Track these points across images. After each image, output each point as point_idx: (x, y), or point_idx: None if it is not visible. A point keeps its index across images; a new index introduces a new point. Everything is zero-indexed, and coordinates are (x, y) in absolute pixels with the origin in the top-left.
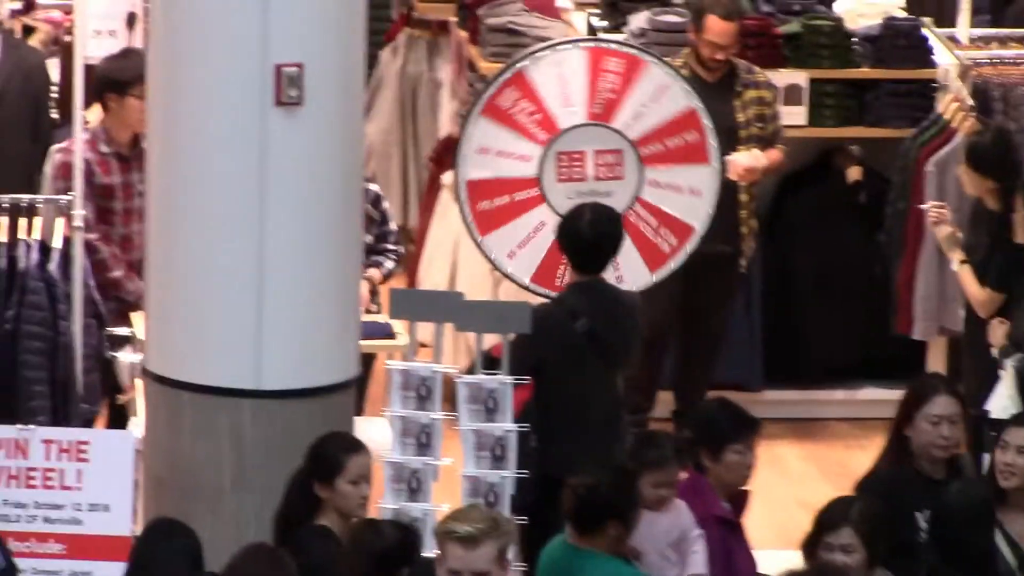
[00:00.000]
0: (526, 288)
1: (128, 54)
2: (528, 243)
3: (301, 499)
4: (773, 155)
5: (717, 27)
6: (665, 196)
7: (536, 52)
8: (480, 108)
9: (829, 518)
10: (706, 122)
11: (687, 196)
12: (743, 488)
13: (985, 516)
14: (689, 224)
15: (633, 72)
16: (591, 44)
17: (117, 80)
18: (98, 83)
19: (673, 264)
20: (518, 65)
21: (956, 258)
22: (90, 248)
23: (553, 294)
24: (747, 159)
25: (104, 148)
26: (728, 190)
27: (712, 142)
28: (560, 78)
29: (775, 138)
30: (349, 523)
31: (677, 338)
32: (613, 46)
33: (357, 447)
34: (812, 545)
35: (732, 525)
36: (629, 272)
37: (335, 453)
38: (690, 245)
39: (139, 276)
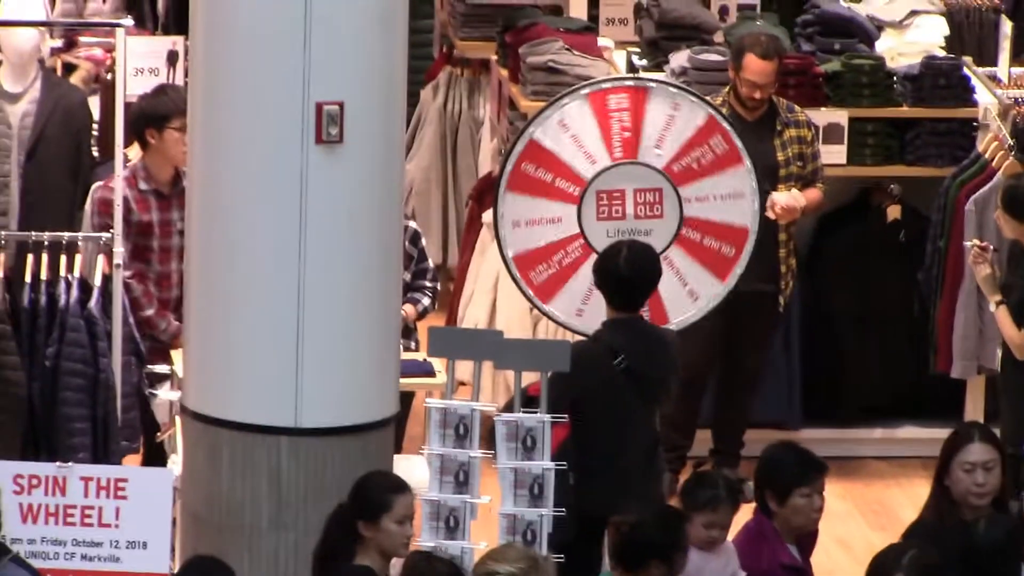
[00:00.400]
0: (503, 258)
1: (164, 90)
2: (592, 296)
3: (342, 537)
4: (812, 195)
5: (755, 66)
6: (710, 208)
7: (542, 114)
8: (504, 185)
9: (881, 566)
10: (726, 126)
11: (731, 202)
12: (811, 530)
13: (1012, 551)
14: (742, 226)
15: (638, 103)
16: (589, 90)
17: (155, 115)
18: (136, 120)
19: (739, 269)
20: (527, 134)
21: (994, 300)
22: (124, 286)
23: (537, 301)
24: (786, 199)
25: (143, 185)
26: (767, 229)
27: (738, 142)
28: (572, 135)
29: (815, 177)
30: (392, 560)
31: (715, 376)
32: (608, 84)
33: (403, 487)
34: None
35: (799, 572)
36: (701, 287)
37: (382, 492)
38: (749, 245)
39: (176, 314)
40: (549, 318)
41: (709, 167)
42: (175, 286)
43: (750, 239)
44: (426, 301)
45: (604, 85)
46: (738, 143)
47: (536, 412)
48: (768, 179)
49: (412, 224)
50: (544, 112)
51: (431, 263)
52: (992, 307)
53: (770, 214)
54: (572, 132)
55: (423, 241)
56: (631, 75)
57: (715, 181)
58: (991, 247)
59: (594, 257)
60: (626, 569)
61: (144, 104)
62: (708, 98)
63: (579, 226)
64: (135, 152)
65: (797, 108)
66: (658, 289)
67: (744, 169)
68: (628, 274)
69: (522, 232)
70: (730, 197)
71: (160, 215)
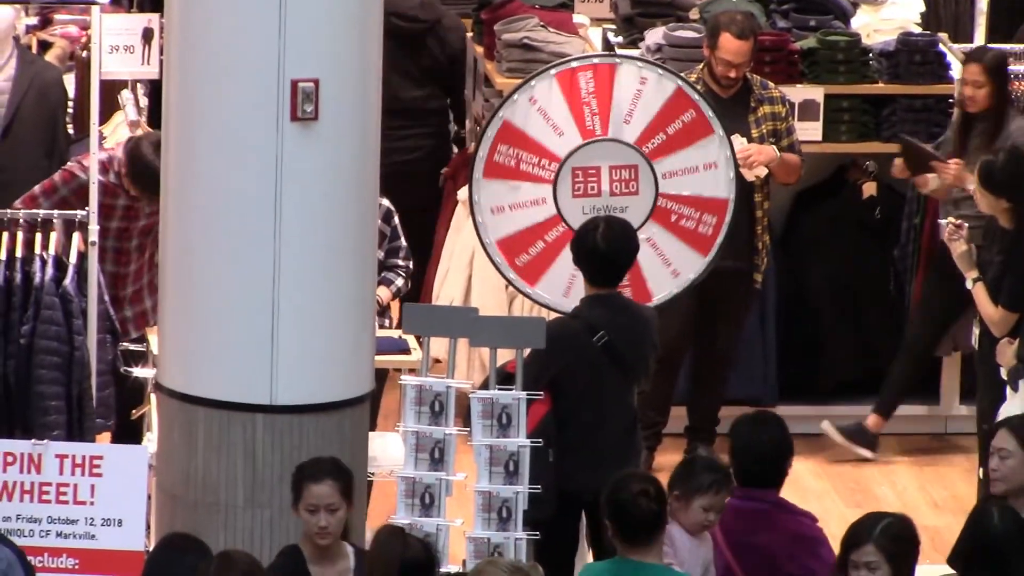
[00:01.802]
0: (484, 245)
1: None
2: (515, 211)
3: None
4: (789, 155)
5: (731, 46)
6: (684, 182)
7: (510, 96)
8: (480, 172)
9: (854, 535)
10: (695, 97)
11: (704, 172)
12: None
13: None
14: (720, 197)
15: (606, 79)
16: (556, 70)
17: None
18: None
19: (720, 239)
20: (500, 116)
21: (970, 276)
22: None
23: (520, 281)
24: (754, 146)
25: (114, 179)
26: (743, 206)
27: (707, 112)
28: (542, 113)
29: (792, 150)
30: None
31: (690, 354)
32: (575, 63)
33: (320, 476)
34: (841, 564)
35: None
36: (682, 264)
37: (299, 479)
38: (729, 215)
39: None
40: (532, 300)
41: (680, 140)
42: (133, 262)
43: (729, 208)
44: (399, 282)
45: (572, 64)
46: (707, 112)
47: (512, 389)
48: None
49: (385, 202)
50: (513, 94)
51: (404, 241)
52: (969, 284)
53: (748, 174)
54: (543, 112)
55: (396, 219)
56: (597, 53)
57: (687, 154)
58: (966, 224)
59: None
60: (650, 541)
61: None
62: (683, 74)
63: (555, 204)
64: (110, 129)
65: (771, 84)
66: (640, 266)
67: (716, 137)
68: (605, 249)
69: (505, 216)
70: (704, 168)
71: (127, 200)
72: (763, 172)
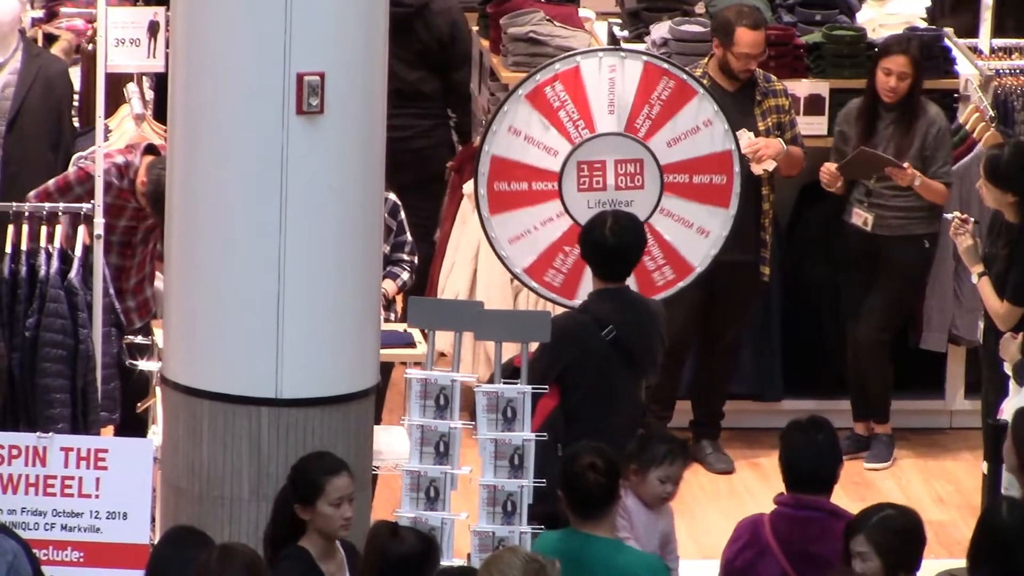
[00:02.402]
0: (514, 275)
1: None
2: (533, 234)
3: (287, 520)
4: (793, 148)
5: (748, 38)
6: (685, 147)
7: (596, 51)
8: (526, 91)
9: (854, 523)
10: (737, 168)
11: (694, 234)
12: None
13: None
14: (689, 262)
15: (680, 99)
16: (649, 59)
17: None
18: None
19: (736, 190)
20: (577, 60)
21: (976, 271)
22: None
23: (558, 298)
24: (761, 140)
25: (128, 186)
26: (749, 199)
27: (738, 188)
28: (611, 84)
29: (795, 143)
30: (332, 543)
31: (695, 348)
32: (669, 67)
33: (337, 469)
34: (844, 552)
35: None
36: (707, 221)
37: (315, 476)
38: (736, 166)
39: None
40: (482, 224)
41: (667, 110)
42: (135, 252)
43: (735, 159)
44: (405, 275)
45: (537, 78)
46: (683, 75)
47: (518, 383)
48: None
49: (392, 196)
50: (491, 128)
51: (410, 236)
52: (974, 279)
53: (756, 168)
54: (528, 138)
55: (402, 214)
56: (556, 58)
57: (676, 120)
58: (972, 219)
59: (557, 203)
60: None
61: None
62: (688, 69)
63: (560, 179)
64: (115, 122)
65: (774, 78)
66: (669, 243)
67: (699, 96)
68: (614, 244)
69: (517, 141)
70: (698, 129)
71: (136, 204)
72: (771, 166)
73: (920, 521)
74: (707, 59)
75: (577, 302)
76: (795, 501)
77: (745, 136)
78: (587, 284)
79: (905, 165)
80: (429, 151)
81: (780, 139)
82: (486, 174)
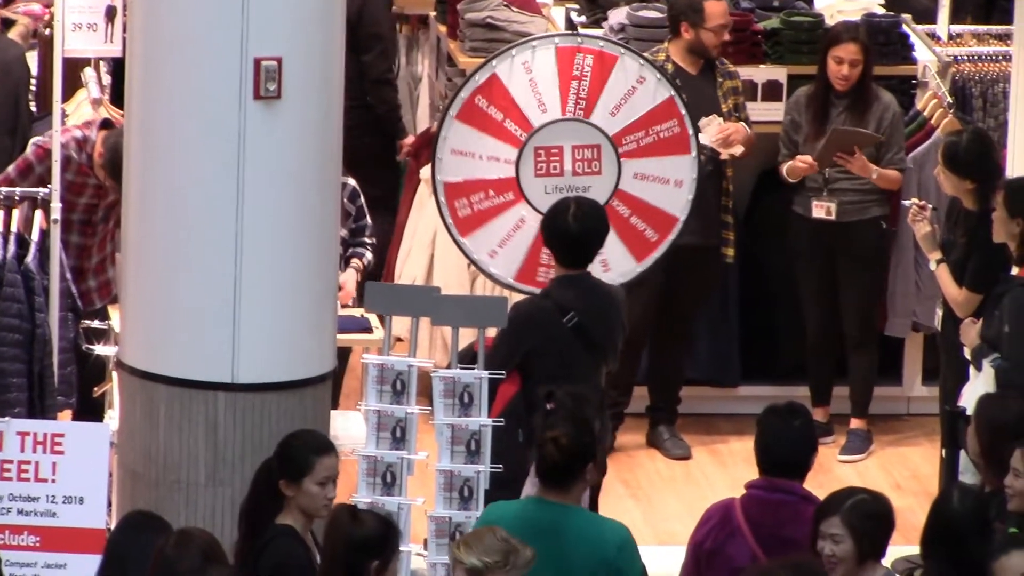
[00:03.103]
0: (510, 287)
1: None
2: (508, 242)
3: (267, 494)
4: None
5: (717, 9)
6: (649, 188)
7: (508, 51)
8: (455, 111)
9: (825, 506)
10: (683, 111)
11: (672, 188)
12: None
13: (985, 523)
14: (672, 215)
15: (604, 68)
16: (561, 42)
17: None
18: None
19: (658, 253)
20: (492, 66)
21: (934, 258)
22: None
23: (535, 290)
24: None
25: (87, 160)
26: (711, 182)
27: (691, 131)
28: (531, 80)
29: (748, 125)
30: (311, 521)
31: (652, 333)
32: (582, 42)
33: (326, 448)
34: (813, 533)
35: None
36: (615, 262)
37: (305, 453)
38: (674, 235)
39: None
40: (460, 250)
41: (656, 148)
42: (99, 234)
43: (676, 228)
44: (369, 255)
45: (462, 95)
46: (690, 130)
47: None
48: None
49: (351, 181)
50: (512, 49)
51: (369, 220)
52: (932, 265)
53: (726, 152)
54: (533, 76)
55: (361, 199)
56: (606, 38)
57: (660, 164)
58: (930, 205)
59: (521, 206)
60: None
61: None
62: (647, 54)
63: (516, 175)
64: (73, 107)
65: (726, 60)
66: (650, 203)
67: (690, 158)
68: (576, 230)
69: (463, 161)
70: (634, 89)
71: (97, 180)
72: (740, 151)
73: (891, 507)
74: (666, 44)
75: (463, 240)
76: (768, 484)
77: (716, 122)
78: (483, 235)
79: (858, 155)
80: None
81: (743, 123)
82: (444, 202)
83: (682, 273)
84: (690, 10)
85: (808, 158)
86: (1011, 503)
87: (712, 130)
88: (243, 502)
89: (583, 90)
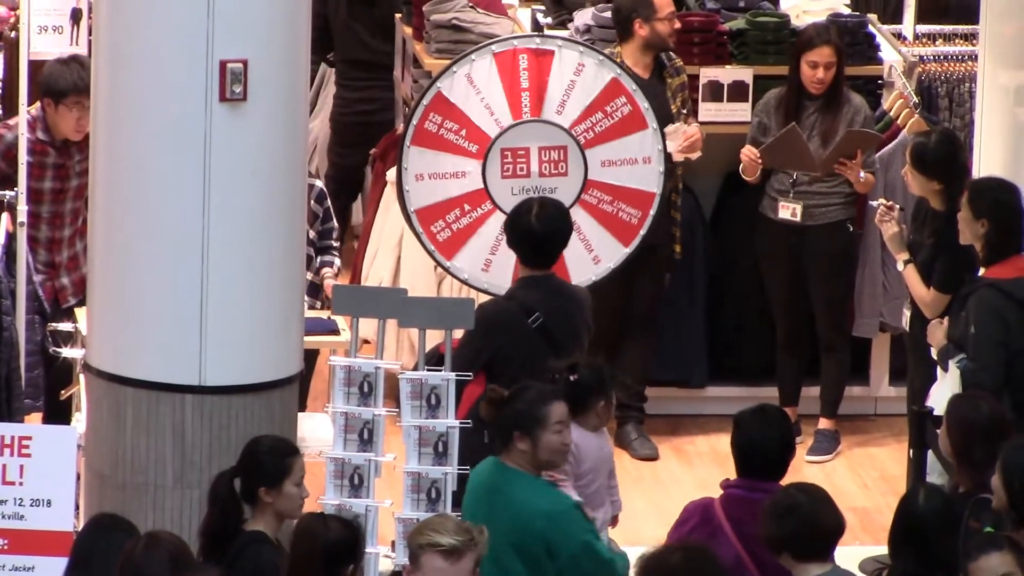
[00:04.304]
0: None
1: (70, 62)
2: (498, 249)
3: (232, 507)
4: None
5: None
6: (619, 172)
7: (450, 68)
8: (409, 139)
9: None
10: (631, 87)
11: (640, 166)
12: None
13: (951, 522)
14: (648, 191)
15: (542, 64)
16: (497, 48)
17: (52, 88)
18: (40, 85)
19: (644, 232)
20: (436, 86)
21: (901, 258)
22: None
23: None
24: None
25: (42, 136)
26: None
27: (643, 104)
28: (477, 91)
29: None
30: (286, 522)
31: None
32: (516, 43)
33: (294, 449)
34: None
35: None
36: (604, 251)
37: (278, 457)
38: (654, 209)
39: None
40: (453, 275)
41: (614, 130)
42: (68, 225)
43: (655, 203)
44: (338, 261)
45: (513, 43)
46: (643, 105)
47: (442, 370)
48: None
49: (318, 183)
50: (452, 66)
51: (335, 223)
52: (900, 266)
53: (692, 156)
54: (478, 88)
55: (328, 201)
56: (538, 34)
57: (621, 144)
58: (897, 206)
59: (498, 214)
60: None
61: (48, 72)
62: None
63: (483, 183)
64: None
65: (673, 55)
66: (625, 186)
67: (649, 131)
68: (540, 231)
69: (425, 185)
70: (636, 161)
71: (57, 159)
72: (697, 154)
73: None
74: (617, 49)
75: (452, 263)
76: (748, 485)
77: (681, 130)
78: (470, 251)
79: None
80: (393, 125)
81: (696, 124)
82: (422, 231)
83: (635, 272)
84: (640, 6)
85: (753, 149)
86: (996, 502)
87: (678, 138)
88: (203, 523)
89: (529, 90)
